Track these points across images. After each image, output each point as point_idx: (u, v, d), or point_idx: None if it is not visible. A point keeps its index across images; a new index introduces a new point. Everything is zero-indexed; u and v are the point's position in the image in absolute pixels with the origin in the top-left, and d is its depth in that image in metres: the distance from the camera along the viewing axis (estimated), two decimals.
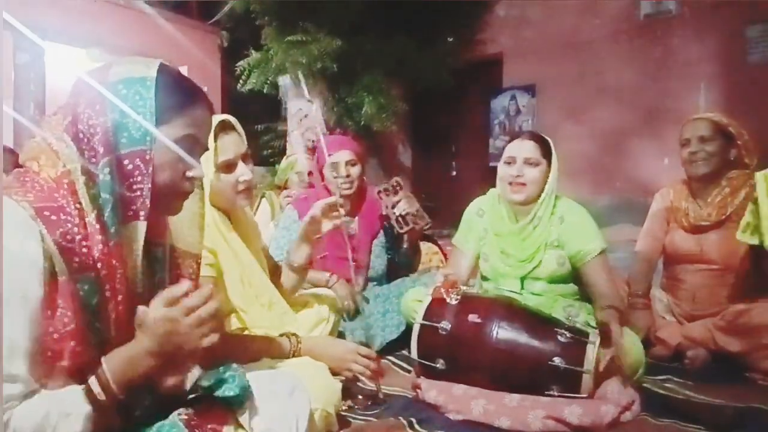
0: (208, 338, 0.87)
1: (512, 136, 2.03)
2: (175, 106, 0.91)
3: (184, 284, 0.88)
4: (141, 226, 0.90)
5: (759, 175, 1.89)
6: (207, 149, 1.00)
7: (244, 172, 1.52)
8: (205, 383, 0.96)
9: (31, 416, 0.77)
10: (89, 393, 0.82)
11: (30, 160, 0.88)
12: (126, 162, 0.87)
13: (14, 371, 0.77)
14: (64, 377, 0.83)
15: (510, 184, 1.93)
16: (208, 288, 0.89)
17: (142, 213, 0.89)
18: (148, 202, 0.89)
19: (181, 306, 0.85)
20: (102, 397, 0.82)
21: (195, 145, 0.96)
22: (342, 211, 1.70)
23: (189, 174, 0.95)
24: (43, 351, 0.80)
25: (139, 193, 0.88)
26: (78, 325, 0.83)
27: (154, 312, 0.85)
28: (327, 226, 1.67)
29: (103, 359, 0.84)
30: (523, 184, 1.91)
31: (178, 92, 0.93)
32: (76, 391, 0.82)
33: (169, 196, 0.95)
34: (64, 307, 0.82)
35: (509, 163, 1.95)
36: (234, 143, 1.51)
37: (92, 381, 0.83)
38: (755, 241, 1.88)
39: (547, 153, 1.95)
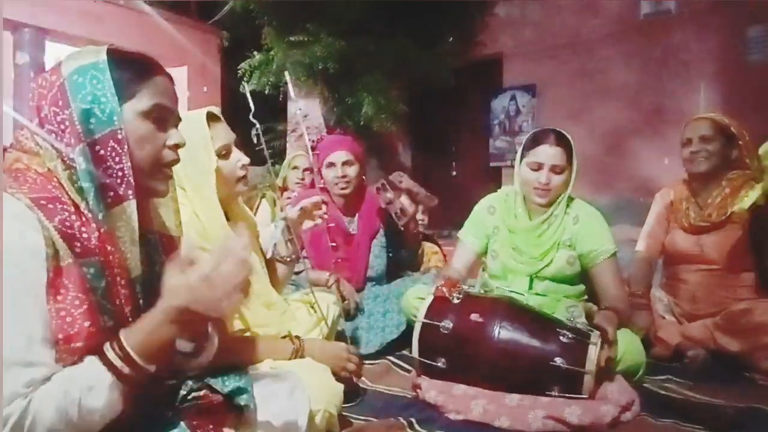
0: (232, 302, 0.83)
1: (537, 139, 1.92)
2: (133, 79, 0.91)
3: (196, 252, 0.87)
4: (130, 206, 0.89)
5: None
6: (180, 119, 0.99)
7: (240, 156, 1.56)
8: (225, 389, 0.96)
9: (49, 398, 0.76)
10: (109, 365, 0.80)
11: (14, 162, 0.88)
12: (98, 147, 0.87)
13: (33, 358, 0.77)
14: (81, 359, 0.81)
15: (535, 188, 1.90)
16: (224, 251, 0.84)
17: (129, 192, 0.89)
18: (131, 180, 0.89)
19: (198, 272, 0.82)
20: (125, 370, 0.80)
21: (167, 114, 0.95)
22: (324, 208, 1.74)
23: (169, 142, 0.95)
24: (57, 333, 0.79)
25: (120, 174, 0.88)
26: (90, 306, 0.82)
27: (170, 280, 0.83)
28: (308, 223, 1.74)
29: (121, 332, 0.83)
30: (549, 190, 1.89)
31: (133, 66, 0.93)
32: (93, 362, 0.80)
33: (154, 172, 0.94)
34: (74, 290, 0.81)
35: (536, 170, 1.89)
36: (224, 130, 1.55)
37: (109, 352, 0.81)
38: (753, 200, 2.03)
39: (569, 156, 1.91)
